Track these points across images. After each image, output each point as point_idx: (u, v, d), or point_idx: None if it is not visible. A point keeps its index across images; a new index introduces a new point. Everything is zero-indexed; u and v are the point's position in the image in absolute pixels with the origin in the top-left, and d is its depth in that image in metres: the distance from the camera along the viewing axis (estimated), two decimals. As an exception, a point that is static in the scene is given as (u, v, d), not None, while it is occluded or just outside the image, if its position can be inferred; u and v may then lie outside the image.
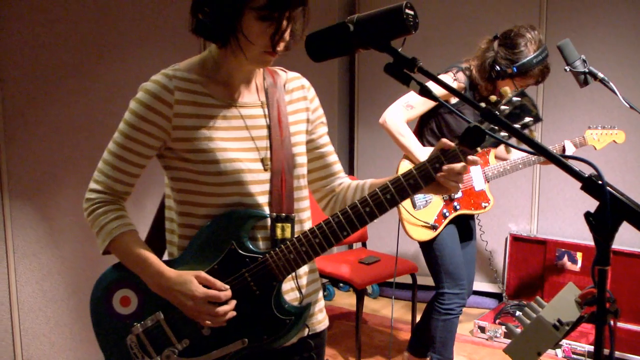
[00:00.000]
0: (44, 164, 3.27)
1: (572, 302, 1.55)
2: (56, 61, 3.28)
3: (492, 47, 3.26)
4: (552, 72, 3.28)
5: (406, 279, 4.44)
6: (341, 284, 5.57)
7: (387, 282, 4.83)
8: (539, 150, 1.29)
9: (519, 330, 1.60)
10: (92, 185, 1.78)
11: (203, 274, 1.71)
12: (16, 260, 3.17)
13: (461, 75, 3.33)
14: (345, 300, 5.55)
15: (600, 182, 1.22)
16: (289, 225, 1.78)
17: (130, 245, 1.74)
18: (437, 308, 3.53)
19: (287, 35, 1.65)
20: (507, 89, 1.95)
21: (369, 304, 5.38)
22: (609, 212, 1.20)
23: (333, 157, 1.99)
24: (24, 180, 3.19)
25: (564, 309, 1.53)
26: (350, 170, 5.76)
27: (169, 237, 1.86)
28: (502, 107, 2.48)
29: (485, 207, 3.53)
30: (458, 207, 3.47)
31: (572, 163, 1.27)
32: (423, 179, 1.66)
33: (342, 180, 2.01)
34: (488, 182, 3.52)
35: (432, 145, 3.44)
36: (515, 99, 2.50)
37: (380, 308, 5.33)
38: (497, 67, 3.20)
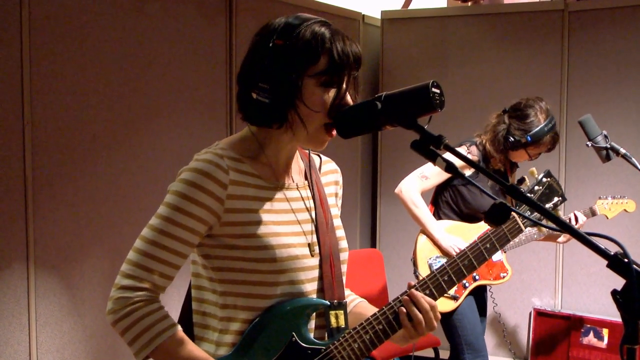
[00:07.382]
0: (69, 233, 3.31)
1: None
2: (85, 133, 3.37)
3: (502, 120, 3.37)
4: (575, 147, 3.30)
5: (428, 352, 4.37)
6: (361, 357, 5.47)
7: (408, 356, 4.75)
8: (564, 227, 1.30)
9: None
10: (125, 281, 1.50)
11: None
12: (38, 328, 3.18)
13: (474, 149, 3.42)
14: (366, 374, 5.44)
15: (626, 260, 1.22)
16: (342, 312, 1.66)
17: (184, 348, 1.51)
18: None
19: (348, 99, 1.56)
20: (534, 170, 1.97)
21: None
22: (636, 290, 1.19)
23: None
24: (50, 248, 3.22)
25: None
26: (372, 242, 5.74)
27: (200, 332, 1.65)
28: (536, 188, 2.51)
29: (503, 277, 3.46)
30: (477, 277, 3.41)
31: (597, 240, 1.27)
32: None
33: None
34: (505, 252, 3.49)
35: (447, 216, 3.49)
36: (544, 179, 2.52)
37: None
38: (511, 138, 3.29)
